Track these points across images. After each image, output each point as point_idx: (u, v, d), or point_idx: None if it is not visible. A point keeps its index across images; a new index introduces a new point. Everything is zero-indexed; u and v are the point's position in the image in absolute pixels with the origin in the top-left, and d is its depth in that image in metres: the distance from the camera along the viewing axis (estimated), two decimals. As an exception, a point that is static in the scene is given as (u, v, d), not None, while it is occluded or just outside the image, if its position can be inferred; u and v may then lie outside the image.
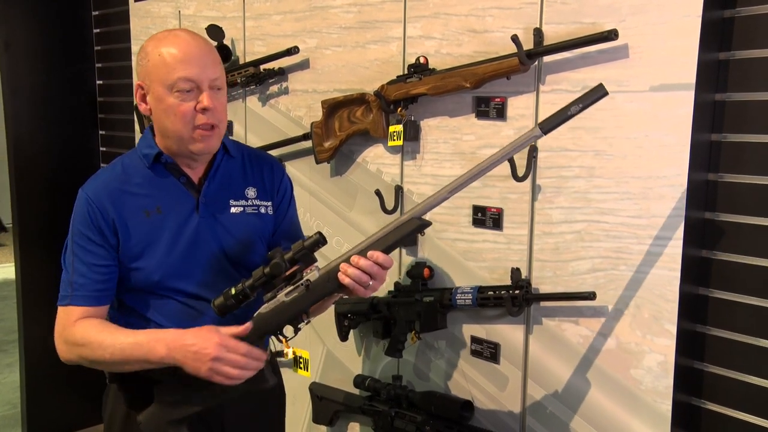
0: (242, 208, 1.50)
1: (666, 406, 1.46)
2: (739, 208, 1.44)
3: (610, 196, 1.50)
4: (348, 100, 1.92)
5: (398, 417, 1.82)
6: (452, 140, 1.75)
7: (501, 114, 1.64)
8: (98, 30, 3.15)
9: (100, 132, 3.24)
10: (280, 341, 1.38)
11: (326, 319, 2.07)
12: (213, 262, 1.46)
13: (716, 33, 1.42)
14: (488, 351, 1.73)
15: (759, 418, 1.44)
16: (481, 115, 1.68)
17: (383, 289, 1.92)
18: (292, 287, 1.34)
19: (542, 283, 1.62)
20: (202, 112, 1.37)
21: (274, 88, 2.20)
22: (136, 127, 2.77)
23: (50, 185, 3.07)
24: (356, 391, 1.99)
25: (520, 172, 1.58)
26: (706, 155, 1.46)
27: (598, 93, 1.24)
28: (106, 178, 1.44)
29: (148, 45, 1.41)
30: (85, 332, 1.37)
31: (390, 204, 1.88)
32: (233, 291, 1.36)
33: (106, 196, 1.40)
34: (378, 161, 1.93)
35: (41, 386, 3.12)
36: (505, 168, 1.59)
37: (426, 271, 1.77)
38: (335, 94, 1.97)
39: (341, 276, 1.32)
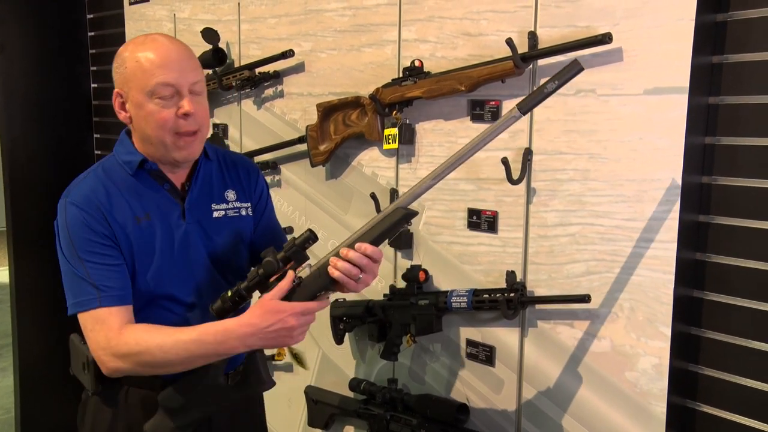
0: (224, 212, 1.50)
1: (661, 409, 1.46)
2: (732, 211, 1.44)
3: (604, 199, 1.50)
4: (343, 104, 1.92)
5: (394, 420, 1.82)
6: (447, 143, 1.75)
7: (496, 117, 1.65)
8: (93, 33, 3.15)
9: (95, 135, 3.23)
10: None
11: (321, 322, 2.07)
12: (202, 268, 1.46)
13: (709, 36, 1.42)
14: (483, 354, 1.73)
15: (753, 421, 1.44)
16: (476, 118, 1.69)
17: (379, 292, 1.92)
18: None
19: (537, 286, 1.62)
20: (184, 118, 1.35)
21: (269, 92, 2.20)
22: (131, 130, 2.77)
23: (44, 188, 3.06)
24: (352, 395, 1.98)
25: (515, 175, 1.58)
26: (700, 158, 1.47)
27: (573, 69, 1.22)
28: (91, 184, 1.39)
29: (125, 51, 1.38)
30: (138, 338, 1.31)
31: (385, 207, 1.87)
32: (229, 293, 1.37)
33: (97, 201, 1.36)
34: (373, 164, 1.93)
35: (35, 391, 3.11)
36: (500, 171, 1.60)
37: (421, 275, 1.77)
38: (330, 98, 1.97)
39: (331, 270, 1.30)
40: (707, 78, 1.44)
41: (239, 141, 2.32)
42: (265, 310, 1.28)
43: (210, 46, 2.23)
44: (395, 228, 1.29)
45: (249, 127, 2.29)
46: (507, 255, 1.67)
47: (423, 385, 1.88)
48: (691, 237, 1.48)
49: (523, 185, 1.61)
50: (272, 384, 1.48)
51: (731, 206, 1.45)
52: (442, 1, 1.72)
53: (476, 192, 1.71)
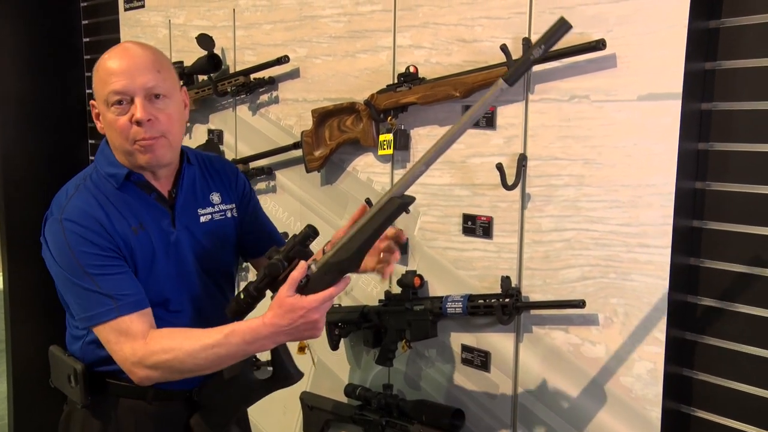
0: (210, 216, 1.51)
1: (655, 414, 1.46)
2: (726, 216, 1.45)
3: (599, 205, 1.51)
4: (338, 109, 1.92)
5: (389, 426, 1.82)
6: (442, 149, 1.75)
7: (491, 123, 1.65)
8: (88, 39, 3.14)
9: (90, 141, 3.23)
10: None
11: (317, 328, 2.07)
12: (193, 273, 1.47)
13: (702, 43, 1.43)
14: (479, 359, 1.73)
15: (748, 426, 1.45)
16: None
17: (374, 298, 1.92)
18: None
19: (532, 292, 1.62)
20: (137, 125, 1.33)
21: (264, 97, 2.20)
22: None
23: (39, 194, 3.03)
24: (347, 401, 1.98)
25: (510, 180, 1.59)
26: (694, 164, 1.47)
27: (560, 29, 1.07)
28: (84, 198, 1.37)
29: (101, 58, 1.39)
30: (165, 346, 1.30)
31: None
32: (242, 296, 1.36)
33: (94, 215, 1.35)
34: (368, 170, 1.93)
35: (29, 397, 3.09)
36: (494, 177, 1.60)
37: (416, 280, 1.77)
38: (325, 103, 1.98)
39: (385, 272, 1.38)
40: (700, 84, 1.45)
41: (234, 147, 2.32)
42: (285, 309, 1.26)
43: (205, 52, 2.23)
44: (392, 218, 1.27)
45: (244, 132, 2.29)
46: (502, 260, 1.67)
47: (418, 391, 1.87)
48: (686, 242, 1.49)
49: (517, 191, 1.61)
50: (300, 375, 1.46)
51: (724, 212, 1.45)
52: (436, 8, 1.73)
53: (471, 197, 1.71)
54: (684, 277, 1.50)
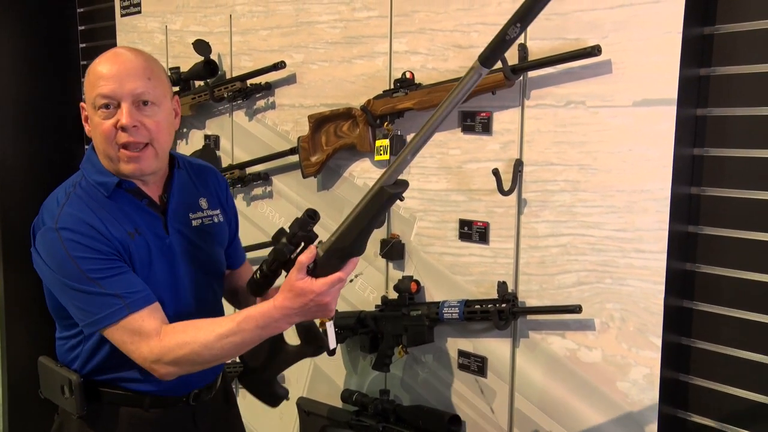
0: (200, 220, 1.51)
1: (652, 419, 1.46)
2: (721, 222, 1.46)
3: (595, 210, 1.51)
4: (334, 115, 1.92)
5: (386, 431, 1.82)
6: (438, 154, 1.76)
7: (487, 128, 1.66)
8: (84, 44, 3.15)
9: (86, 146, 3.21)
10: None
11: (313, 333, 2.07)
12: (187, 277, 1.46)
13: (697, 49, 1.44)
14: (475, 364, 1.73)
15: (744, 431, 1.45)
16: (467, 129, 1.69)
17: (371, 303, 1.92)
18: None
19: (528, 297, 1.63)
20: (121, 130, 1.32)
21: (260, 103, 2.21)
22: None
23: (34, 199, 3.01)
24: (344, 406, 1.98)
25: (506, 186, 1.59)
26: (689, 169, 1.48)
27: (537, 3, 0.98)
28: (77, 206, 1.35)
29: (93, 62, 1.39)
30: (180, 341, 1.29)
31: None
32: (257, 275, 1.37)
33: (89, 222, 1.33)
34: (365, 175, 1.93)
35: (23, 406, 3.08)
36: (491, 182, 1.60)
37: (413, 285, 1.77)
38: (322, 109, 1.98)
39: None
40: (695, 90, 1.46)
41: (231, 152, 2.33)
42: (295, 293, 1.26)
43: (202, 58, 2.23)
44: (384, 209, 1.25)
45: (241, 138, 2.29)
46: (498, 266, 1.67)
47: (415, 397, 1.87)
48: (681, 247, 1.49)
49: (514, 196, 1.62)
50: (335, 345, 1.46)
51: (720, 217, 1.46)
52: (432, 14, 1.73)
53: (467, 203, 1.71)
54: (680, 282, 1.50)
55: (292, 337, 1.47)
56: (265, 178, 2.21)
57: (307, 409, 2.08)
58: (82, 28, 3.14)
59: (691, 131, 1.47)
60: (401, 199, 1.23)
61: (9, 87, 3.01)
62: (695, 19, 1.41)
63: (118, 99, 1.32)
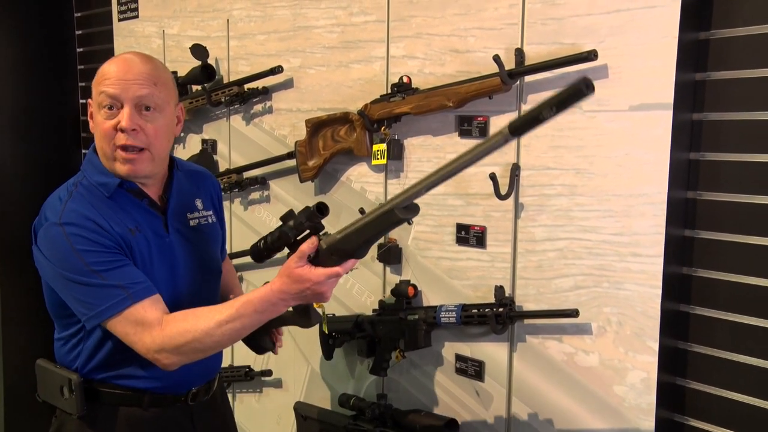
0: (197, 220, 1.55)
1: (649, 423, 1.47)
2: (717, 226, 1.46)
3: (591, 214, 1.52)
4: (332, 119, 1.93)
5: (383, 436, 1.82)
6: (435, 159, 1.76)
7: (484, 133, 1.66)
8: (81, 49, 3.15)
9: (83, 151, 3.22)
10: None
11: (311, 338, 2.06)
12: (186, 275, 1.49)
13: (692, 54, 1.45)
14: (473, 369, 1.73)
15: (741, 434, 1.45)
16: (464, 134, 1.70)
17: (368, 308, 1.92)
18: None
19: (526, 301, 1.63)
20: (120, 132, 1.36)
21: (258, 107, 2.21)
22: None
23: (31, 204, 3.02)
24: (341, 410, 1.97)
25: (503, 190, 1.59)
26: (685, 173, 1.48)
27: (577, 93, 1.00)
28: (80, 202, 1.38)
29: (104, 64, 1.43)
30: (181, 329, 1.32)
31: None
32: (261, 245, 1.41)
33: (93, 217, 1.35)
34: (362, 180, 1.93)
35: (20, 409, 3.07)
36: (488, 186, 1.61)
37: (410, 290, 1.77)
38: (319, 113, 1.98)
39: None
40: (691, 94, 1.46)
41: (228, 156, 2.33)
42: (292, 279, 1.31)
43: (199, 62, 2.24)
44: (390, 229, 1.34)
45: (238, 142, 2.29)
46: (495, 270, 1.67)
47: (412, 401, 1.87)
48: (678, 251, 1.49)
49: (511, 200, 1.62)
50: (318, 319, 1.51)
51: (716, 221, 1.46)
52: (429, 18, 1.74)
53: (465, 207, 1.71)
54: (676, 286, 1.51)
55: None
56: (262, 182, 2.21)
57: (304, 414, 2.07)
58: (80, 32, 3.14)
59: (688, 135, 1.47)
60: (409, 223, 1.29)
61: (6, 90, 3.01)
62: (691, 25, 1.42)
63: (122, 101, 1.35)
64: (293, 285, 1.31)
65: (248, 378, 2.28)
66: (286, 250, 1.39)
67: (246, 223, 2.28)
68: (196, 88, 2.34)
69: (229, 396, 2.37)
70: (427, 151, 1.78)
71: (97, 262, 1.32)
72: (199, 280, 1.53)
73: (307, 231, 1.36)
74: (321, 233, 1.36)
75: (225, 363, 2.08)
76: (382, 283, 1.91)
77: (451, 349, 1.78)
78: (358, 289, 1.97)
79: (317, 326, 1.95)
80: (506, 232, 1.65)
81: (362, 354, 1.91)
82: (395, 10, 1.81)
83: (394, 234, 1.86)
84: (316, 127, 1.96)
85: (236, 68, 2.25)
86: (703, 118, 1.46)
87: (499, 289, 1.62)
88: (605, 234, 1.50)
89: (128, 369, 1.43)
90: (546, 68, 1.51)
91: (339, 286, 2.00)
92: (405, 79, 1.75)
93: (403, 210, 1.25)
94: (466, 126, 1.69)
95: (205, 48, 2.24)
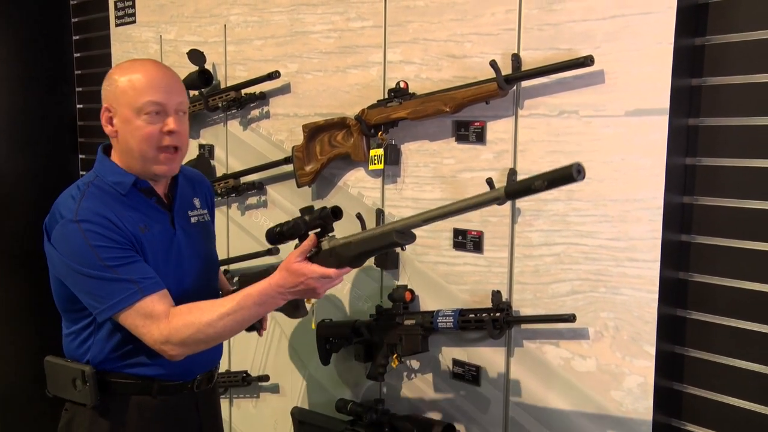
0: (197, 218, 1.63)
1: (646, 428, 1.47)
2: (713, 231, 1.46)
3: (588, 219, 1.52)
4: (329, 124, 1.93)
5: (380, 441, 1.81)
6: (432, 164, 1.76)
7: (480, 138, 1.66)
8: (79, 54, 3.15)
9: (80, 156, 3.22)
10: None
11: (308, 343, 2.06)
12: (191, 270, 1.56)
13: (688, 60, 1.45)
14: (470, 374, 1.73)
15: (738, 439, 1.45)
16: (461, 139, 1.70)
17: (365, 313, 1.92)
18: None
19: (523, 306, 1.63)
20: (168, 135, 1.46)
21: (255, 112, 2.21)
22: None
23: (29, 209, 3.03)
24: (338, 416, 1.97)
25: (500, 195, 1.59)
26: (681, 179, 1.49)
27: (567, 177, 1.13)
28: (93, 201, 1.43)
29: (115, 72, 1.49)
30: (186, 322, 1.40)
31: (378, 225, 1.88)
32: (277, 229, 1.54)
33: (106, 215, 1.42)
34: (359, 185, 1.93)
35: (14, 414, 3.06)
36: (484, 191, 1.60)
37: (407, 295, 1.77)
38: (316, 118, 1.98)
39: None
40: (687, 100, 1.47)
41: (225, 161, 2.33)
42: (290, 272, 1.42)
43: (196, 68, 2.24)
44: (385, 249, 1.45)
45: (235, 147, 2.30)
46: (492, 275, 1.67)
47: (410, 406, 1.87)
48: (674, 256, 1.50)
49: (507, 205, 1.62)
50: (305, 314, 1.67)
51: (712, 226, 1.47)
52: (426, 24, 1.74)
53: (461, 212, 1.72)
54: (673, 291, 1.51)
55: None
56: (259, 187, 2.21)
57: (301, 419, 2.07)
58: (77, 37, 3.14)
59: (684, 141, 1.48)
60: (402, 249, 1.40)
61: (4, 95, 3.01)
62: (686, 30, 1.43)
63: (166, 107, 1.45)
64: (290, 278, 1.41)
65: (245, 383, 2.28)
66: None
67: (243, 228, 2.28)
68: (193, 93, 2.34)
69: (226, 401, 2.37)
70: (424, 156, 1.78)
71: (111, 257, 1.39)
72: (203, 273, 1.60)
73: (318, 229, 1.47)
74: (329, 234, 1.46)
75: (222, 368, 2.08)
76: (379, 288, 1.91)
77: (448, 354, 1.78)
78: (356, 294, 1.97)
79: (314, 332, 1.96)
80: (503, 237, 1.65)
81: (359, 359, 1.91)
82: (392, 15, 1.81)
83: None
84: (313, 132, 1.96)
85: (233, 73, 2.26)
86: (699, 124, 1.47)
87: (496, 294, 1.62)
88: (602, 239, 1.50)
89: (138, 358, 1.50)
90: (542, 73, 1.52)
91: (336, 291, 2.01)
92: (402, 84, 1.76)
93: (399, 234, 1.36)
94: (462, 131, 1.69)
95: (202, 53, 2.24)
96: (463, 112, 1.65)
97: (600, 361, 1.52)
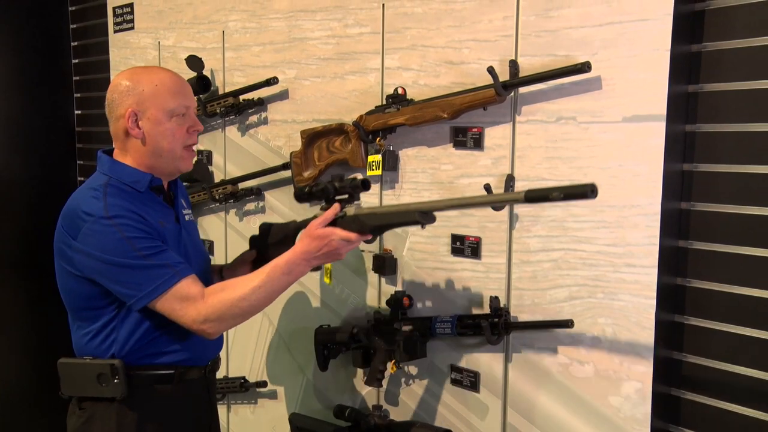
0: (188, 216, 1.73)
1: (644, 434, 1.47)
2: (711, 236, 1.47)
3: (586, 225, 1.52)
4: (327, 130, 1.93)
5: (378, 448, 1.81)
6: (430, 170, 1.76)
7: (478, 144, 1.67)
8: (77, 60, 3.15)
9: (78, 162, 3.22)
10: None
11: (306, 348, 2.06)
12: (196, 264, 1.64)
13: (685, 66, 1.46)
14: (468, 380, 1.73)
15: (736, 444, 1.45)
16: (459, 145, 1.70)
17: (363, 319, 1.92)
18: None
19: (521, 312, 1.63)
20: (194, 134, 1.60)
21: (253, 118, 2.21)
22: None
23: (27, 215, 3.03)
24: (336, 422, 1.97)
25: (498, 201, 1.60)
26: (679, 184, 1.49)
27: (583, 193, 1.20)
28: (115, 198, 1.50)
29: (139, 76, 1.56)
30: (221, 299, 1.48)
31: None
32: (306, 189, 1.63)
33: (132, 209, 1.49)
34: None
35: (11, 418, 3.05)
36: (482, 197, 1.61)
37: (405, 300, 1.77)
38: (314, 124, 1.99)
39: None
40: (683, 106, 1.47)
41: (223, 167, 2.33)
42: (312, 237, 1.50)
43: (194, 74, 2.24)
44: (405, 225, 1.51)
45: (233, 153, 2.30)
46: (490, 280, 1.67)
47: (408, 412, 1.87)
48: (672, 262, 1.50)
49: (505, 211, 1.62)
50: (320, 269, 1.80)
51: (710, 232, 1.47)
52: (424, 30, 1.75)
53: (459, 218, 1.72)
54: (671, 297, 1.51)
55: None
56: (257, 193, 2.21)
57: (299, 425, 2.07)
58: (75, 44, 3.15)
59: (681, 147, 1.48)
60: (422, 227, 1.48)
61: (2, 101, 3.01)
62: (683, 37, 1.43)
63: (190, 110, 1.59)
64: (314, 243, 1.49)
65: (243, 389, 2.28)
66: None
67: (241, 234, 2.28)
68: (191, 99, 2.34)
69: (224, 407, 2.37)
70: (422, 162, 1.78)
71: (146, 247, 1.47)
72: (203, 265, 1.71)
73: (346, 195, 1.56)
74: (354, 202, 1.55)
75: (220, 375, 2.07)
76: (377, 294, 1.91)
77: (446, 360, 1.78)
78: (354, 300, 1.97)
79: (312, 337, 1.96)
80: (501, 243, 1.65)
81: (358, 365, 1.91)
82: (390, 22, 1.82)
83: (390, 245, 1.86)
84: (311, 138, 1.97)
85: (232, 79, 2.26)
86: (696, 130, 1.47)
87: (494, 300, 1.62)
88: (599, 245, 1.50)
89: (161, 347, 1.57)
90: (540, 80, 1.52)
91: (334, 297, 2.01)
92: (400, 91, 1.76)
93: (422, 214, 1.43)
94: (460, 137, 1.70)
95: (200, 59, 2.24)
96: (460, 118, 1.66)
97: (598, 367, 1.52)
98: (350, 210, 1.53)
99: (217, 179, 2.33)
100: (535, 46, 1.56)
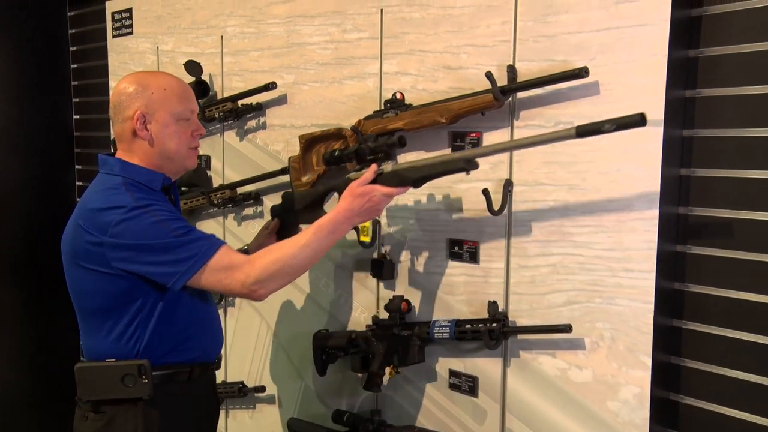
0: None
1: (643, 439, 1.46)
2: (709, 241, 1.47)
3: (584, 230, 1.52)
4: (325, 135, 1.93)
5: (377, 453, 1.81)
6: (429, 174, 1.76)
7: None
8: (75, 65, 3.15)
9: (77, 166, 3.22)
10: None
11: (304, 353, 2.06)
12: None
13: (682, 71, 1.46)
14: (466, 384, 1.72)
15: (734, 449, 1.45)
16: (457, 149, 1.70)
17: (361, 323, 1.92)
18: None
19: (519, 316, 1.63)
20: (198, 136, 1.67)
21: (251, 123, 2.22)
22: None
23: (26, 219, 3.03)
24: (335, 427, 1.96)
25: (496, 206, 1.60)
26: (676, 189, 1.49)
27: (634, 122, 1.27)
28: (142, 192, 1.57)
29: (148, 80, 1.62)
30: (271, 260, 1.54)
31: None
32: (336, 153, 1.72)
33: (158, 200, 1.58)
34: (355, 195, 1.93)
35: (12, 416, 3.04)
36: (481, 202, 1.61)
37: (404, 305, 1.77)
38: (312, 129, 1.99)
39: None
40: (681, 111, 1.48)
41: (222, 172, 2.33)
42: (354, 195, 1.58)
43: (193, 79, 2.24)
44: (450, 172, 1.55)
45: (231, 158, 2.30)
46: (489, 285, 1.67)
47: (406, 417, 1.86)
48: (670, 267, 1.50)
49: (504, 216, 1.62)
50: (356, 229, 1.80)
51: (707, 236, 1.47)
52: (422, 35, 1.75)
53: (458, 223, 1.72)
54: (669, 301, 1.51)
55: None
56: (255, 198, 2.21)
57: (297, 430, 2.06)
58: (74, 49, 3.15)
59: (678, 151, 1.49)
60: (467, 173, 1.53)
61: (1, 106, 3.01)
62: (680, 42, 1.44)
63: (194, 114, 1.67)
64: (356, 201, 1.56)
65: (241, 394, 2.27)
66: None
67: (239, 238, 2.28)
68: (190, 104, 2.34)
69: (223, 412, 2.36)
70: (421, 166, 1.78)
71: (180, 227, 1.54)
72: None
73: (381, 154, 1.63)
74: (390, 162, 1.61)
75: (218, 379, 2.07)
76: (375, 299, 1.91)
77: (444, 365, 1.77)
78: (352, 304, 1.97)
79: (310, 342, 1.95)
80: (499, 248, 1.65)
81: (356, 370, 1.91)
82: (388, 27, 1.82)
83: (387, 247, 1.86)
84: (309, 142, 1.97)
85: (230, 84, 2.26)
86: (694, 135, 1.48)
87: (492, 305, 1.62)
88: (598, 249, 1.50)
89: (179, 345, 1.61)
90: (538, 85, 1.52)
91: (332, 301, 2.01)
92: (398, 96, 1.76)
93: (465, 161, 1.49)
94: (458, 142, 1.70)
95: (199, 64, 2.25)
96: (459, 123, 1.66)
97: (596, 372, 1.52)
98: (387, 167, 1.60)
99: (215, 184, 2.33)
100: (533, 52, 1.56)
